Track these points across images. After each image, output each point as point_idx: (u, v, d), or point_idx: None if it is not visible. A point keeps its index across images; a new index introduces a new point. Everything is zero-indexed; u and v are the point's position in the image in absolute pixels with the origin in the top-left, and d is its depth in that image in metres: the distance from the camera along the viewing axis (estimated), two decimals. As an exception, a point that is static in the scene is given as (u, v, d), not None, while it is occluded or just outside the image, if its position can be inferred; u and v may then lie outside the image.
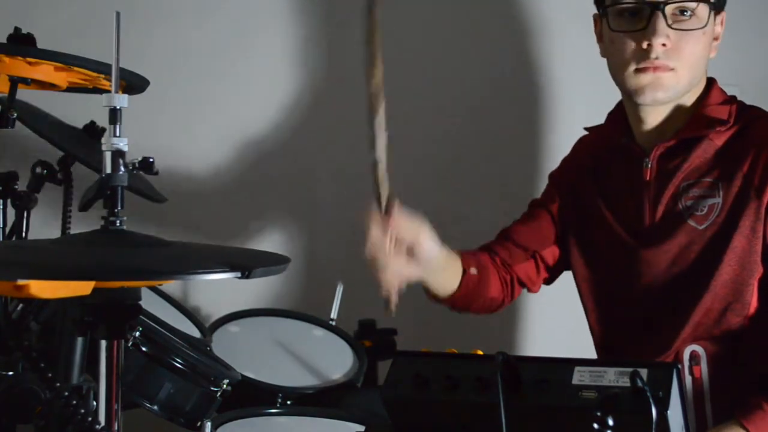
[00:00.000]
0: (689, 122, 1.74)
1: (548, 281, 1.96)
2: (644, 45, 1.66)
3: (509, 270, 1.90)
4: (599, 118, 1.89)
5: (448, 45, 2.51)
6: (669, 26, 1.66)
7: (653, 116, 1.75)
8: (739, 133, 1.73)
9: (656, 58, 1.66)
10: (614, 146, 1.84)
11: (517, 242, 1.90)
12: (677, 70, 1.68)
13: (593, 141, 1.91)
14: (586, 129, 1.91)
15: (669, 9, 1.66)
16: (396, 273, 1.61)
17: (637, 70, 1.69)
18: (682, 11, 1.67)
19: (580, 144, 1.96)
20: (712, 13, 1.70)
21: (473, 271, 1.81)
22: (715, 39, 1.74)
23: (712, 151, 1.73)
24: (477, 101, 2.53)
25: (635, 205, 1.79)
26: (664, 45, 1.65)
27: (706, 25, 1.68)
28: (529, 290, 1.95)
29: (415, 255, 1.64)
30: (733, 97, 1.78)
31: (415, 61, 2.51)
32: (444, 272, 1.78)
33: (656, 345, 1.74)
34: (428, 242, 1.66)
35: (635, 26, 1.68)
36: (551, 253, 1.91)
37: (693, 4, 1.67)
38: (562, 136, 2.41)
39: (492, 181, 2.52)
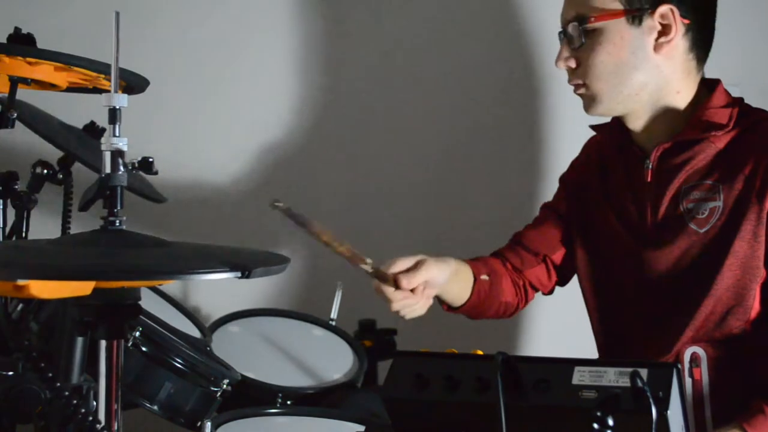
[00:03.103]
0: (687, 125, 1.74)
1: (561, 283, 1.98)
2: None
3: (520, 275, 1.92)
4: (602, 120, 1.90)
5: (450, 46, 2.51)
6: (572, 48, 1.74)
7: (633, 121, 1.78)
8: (741, 136, 1.72)
9: (570, 79, 1.77)
10: (618, 147, 1.84)
11: (527, 247, 1.93)
12: (588, 85, 1.74)
13: (601, 141, 1.92)
14: (591, 127, 1.91)
15: (571, 32, 1.73)
16: (420, 307, 1.75)
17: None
18: (583, 32, 1.71)
19: (589, 144, 1.98)
20: (619, 19, 1.69)
21: (484, 277, 1.85)
22: (662, 35, 1.71)
23: (713, 153, 1.73)
24: (480, 104, 2.53)
25: (637, 206, 1.79)
26: (569, 66, 1.75)
27: (582, 45, 1.71)
28: (542, 293, 1.97)
29: (429, 286, 1.74)
30: (738, 100, 1.77)
31: (417, 62, 2.51)
32: (456, 284, 1.83)
33: (657, 346, 1.74)
34: (436, 275, 1.74)
35: None
36: (561, 256, 1.94)
37: (583, 25, 1.70)
38: (565, 139, 2.41)
39: (495, 184, 2.52)
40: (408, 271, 1.71)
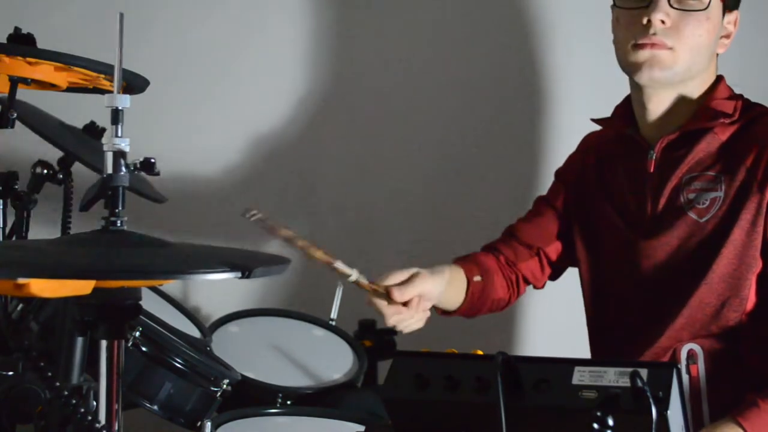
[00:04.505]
0: (694, 115, 1.76)
1: (553, 277, 1.98)
2: (644, 21, 1.69)
3: (514, 269, 1.92)
4: (602, 115, 1.90)
5: (451, 45, 2.51)
6: (670, 5, 1.69)
7: (655, 103, 1.76)
8: (744, 129, 1.74)
9: (654, 35, 1.69)
10: (620, 138, 1.85)
11: (521, 240, 1.93)
12: (675, 50, 1.70)
13: (599, 135, 1.93)
14: (593, 120, 1.91)
15: None
16: (417, 320, 1.74)
17: (636, 46, 1.71)
18: (708, 2, 1.70)
19: (586, 141, 1.98)
20: (720, 4, 1.72)
21: (477, 279, 1.85)
22: (726, 37, 1.77)
23: (717, 144, 1.74)
24: (481, 102, 2.53)
25: (637, 196, 1.80)
26: (663, 22, 1.68)
27: (707, 8, 1.70)
28: (534, 287, 1.97)
29: (423, 299, 1.73)
30: (740, 95, 1.80)
31: (418, 61, 2.51)
32: (450, 291, 1.82)
33: (651, 339, 1.75)
34: (431, 288, 1.74)
35: (639, 3, 1.71)
36: (555, 250, 1.94)
37: None
38: (565, 137, 2.41)
39: (496, 181, 2.52)
40: (401, 284, 1.69)
